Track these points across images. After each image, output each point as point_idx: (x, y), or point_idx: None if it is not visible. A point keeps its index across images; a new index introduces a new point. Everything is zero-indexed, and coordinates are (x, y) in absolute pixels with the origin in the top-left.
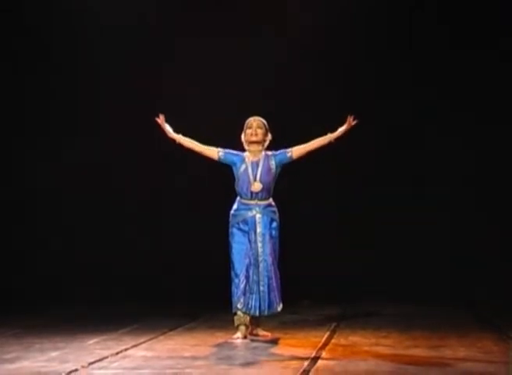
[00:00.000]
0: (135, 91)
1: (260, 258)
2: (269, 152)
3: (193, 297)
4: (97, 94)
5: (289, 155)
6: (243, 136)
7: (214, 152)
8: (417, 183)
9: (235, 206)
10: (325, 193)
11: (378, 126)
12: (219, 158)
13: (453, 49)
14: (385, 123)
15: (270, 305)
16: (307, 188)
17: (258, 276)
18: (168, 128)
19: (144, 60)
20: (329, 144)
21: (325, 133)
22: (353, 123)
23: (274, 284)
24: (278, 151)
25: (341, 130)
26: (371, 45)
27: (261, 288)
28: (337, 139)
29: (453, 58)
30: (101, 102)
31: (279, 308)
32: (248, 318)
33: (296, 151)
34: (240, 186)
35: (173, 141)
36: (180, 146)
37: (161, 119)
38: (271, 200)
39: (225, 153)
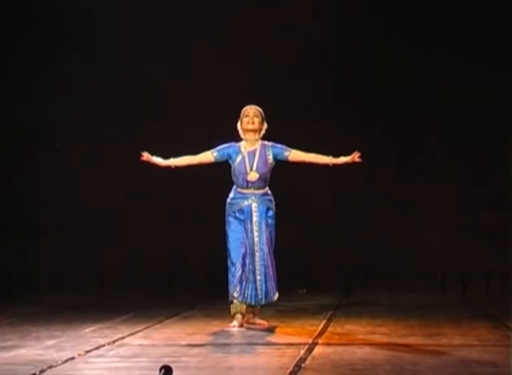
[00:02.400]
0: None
1: (256, 248)
2: (267, 142)
3: (190, 285)
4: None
5: (286, 154)
6: (239, 124)
7: (208, 156)
8: (413, 174)
9: (231, 195)
10: (321, 181)
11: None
12: (215, 158)
13: None
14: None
15: (267, 295)
16: (304, 176)
17: (254, 266)
18: (157, 160)
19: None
20: (325, 166)
21: (327, 154)
22: (358, 160)
23: (270, 273)
24: (278, 145)
25: (343, 160)
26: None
27: (258, 277)
28: (335, 165)
29: None
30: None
31: (276, 297)
32: (244, 306)
33: (295, 154)
34: (236, 175)
35: (168, 167)
36: (178, 168)
37: (146, 157)
38: (267, 189)
39: (218, 151)
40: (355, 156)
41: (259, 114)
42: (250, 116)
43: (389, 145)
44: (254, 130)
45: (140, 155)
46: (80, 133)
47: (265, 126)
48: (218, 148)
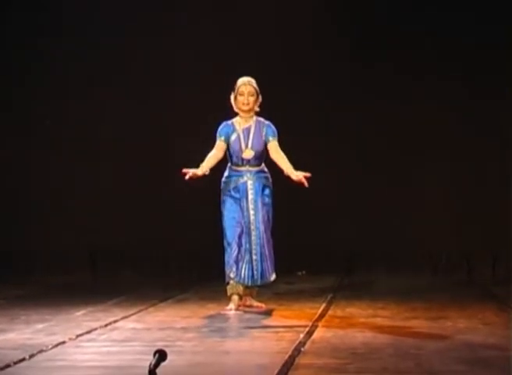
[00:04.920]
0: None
1: (252, 227)
2: (264, 120)
3: (185, 267)
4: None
5: (269, 139)
6: (233, 99)
7: (221, 145)
8: (416, 151)
9: (226, 173)
10: (321, 160)
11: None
12: (225, 142)
13: None
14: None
15: (262, 275)
16: (304, 154)
17: (251, 245)
18: (196, 172)
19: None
20: (282, 172)
21: (293, 163)
22: (304, 183)
23: (266, 253)
24: (272, 127)
25: (292, 176)
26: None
27: (254, 257)
28: (287, 177)
29: None
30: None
31: (272, 278)
32: (241, 287)
33: (272, 146)
34: (230, 153)
35: (204, 175)
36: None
37: (192, 173)
38: (263, 166)
39: (222, 135)
40: (302, 181)
41: (254, 92)
42: (245, 96)
43: (392, 125)
44: (249, 110)
45: (183, 175)
46: (74, 112)
47: (260, 99)
48: (219, 132)
